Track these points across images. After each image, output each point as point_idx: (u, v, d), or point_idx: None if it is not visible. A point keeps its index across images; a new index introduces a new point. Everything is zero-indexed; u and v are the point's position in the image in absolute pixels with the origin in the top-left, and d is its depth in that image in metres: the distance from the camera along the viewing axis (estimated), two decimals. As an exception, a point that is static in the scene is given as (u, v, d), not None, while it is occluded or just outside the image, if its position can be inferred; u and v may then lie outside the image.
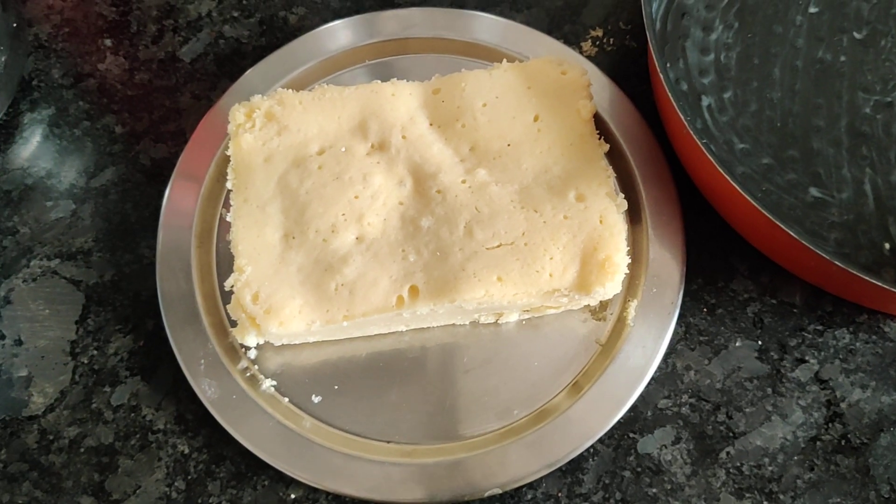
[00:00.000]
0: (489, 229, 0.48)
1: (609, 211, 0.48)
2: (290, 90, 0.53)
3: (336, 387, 0.51)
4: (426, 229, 0.49)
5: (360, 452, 0.48)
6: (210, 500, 0.48)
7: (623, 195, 0.51)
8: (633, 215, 0.54)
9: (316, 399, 0.50)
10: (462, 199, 0.49)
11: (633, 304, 0.51)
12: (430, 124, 0.52)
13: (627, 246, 0.48)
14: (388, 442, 0.49)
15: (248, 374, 0.51)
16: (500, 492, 0.47)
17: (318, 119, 0.52)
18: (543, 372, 0.50)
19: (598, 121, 0.54)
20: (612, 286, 0.47)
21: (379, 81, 0.53)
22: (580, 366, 0.50)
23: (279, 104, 0.52)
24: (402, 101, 0.52)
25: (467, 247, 0.48)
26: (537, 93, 0.52)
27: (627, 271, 0.48)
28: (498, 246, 0.48)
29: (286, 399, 0.50)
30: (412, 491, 0.47)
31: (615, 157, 0.55)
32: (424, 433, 0.49)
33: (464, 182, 0.50)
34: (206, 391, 0.49)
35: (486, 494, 0.47)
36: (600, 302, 0.52)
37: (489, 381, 0.50)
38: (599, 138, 0.52)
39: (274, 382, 0.51)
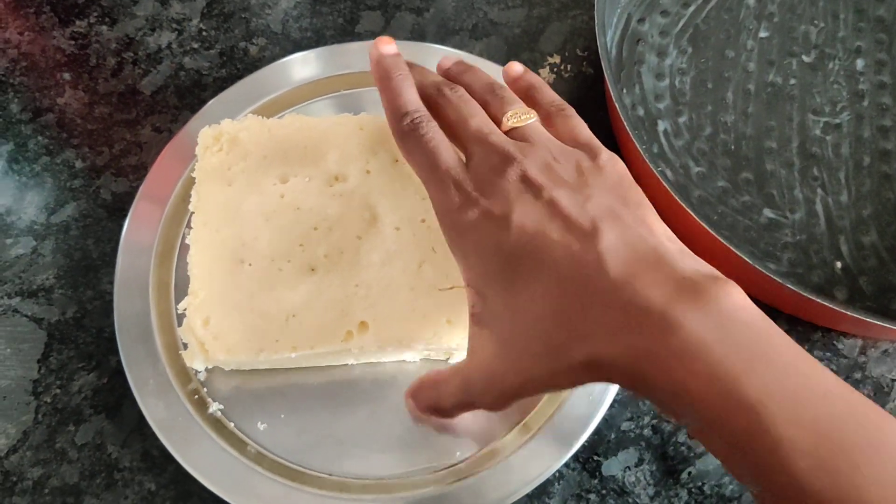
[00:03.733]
0: (442, 271, 0.48)
1: None
2: (260, 117, 0.53)
3: (282, 415, 0.50)
4: (380, 265, 0.49)
5: (300, 484, 0.48)
6: (177, 538, 0.48)
7: None
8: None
9: (261, 426, 0.50)
10: (419, 238, 0.49)
11: None
12: (396, 160, 0.52)
13: None
14: (330, 475, 0.49)
15: (197, 397, 0.50)
16: None
17: (284, 148, 0.52)
18: (490, 413, 0.50)
19: None
20: None
21: (349, 114, 0.53)
22: (530, 408, 0.50)
23: (247, 130, 0.52)
24: (368, 134, 0.52)
25: (419, 286, 0.48)
26: None
27: None
28: (450, 288, 0.48)
29: (232, 424, 0.50)
30: (348, 527, 0.47)
31: None
32: (366, 468, 0.49)
33: (423, 221, 0.50)
34: (152, 411, 0.49)
35: None
36: (549, 346, 0.52)
37: None
38: None
39: (221, 406, 0.50)
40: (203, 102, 0.58)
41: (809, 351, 0.52)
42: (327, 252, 0.49)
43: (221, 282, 0.49)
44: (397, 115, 0.42)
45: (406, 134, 0.41)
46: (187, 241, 0.51)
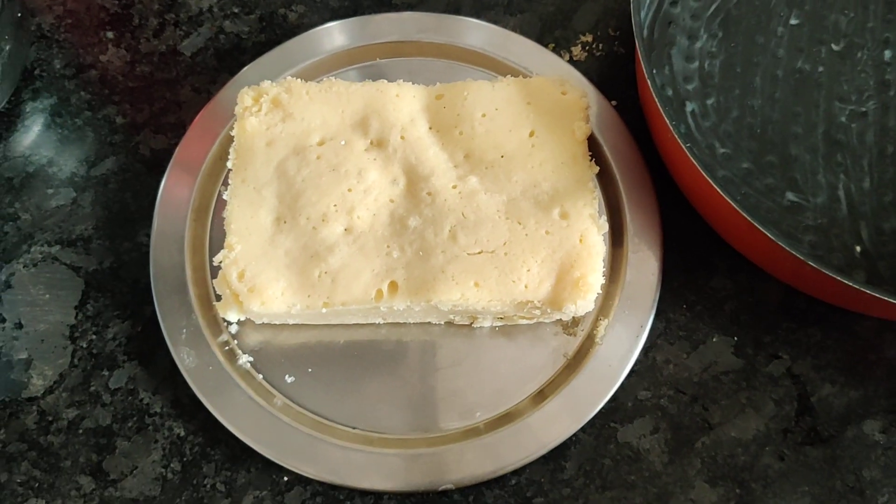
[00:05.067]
0: (472, 235, 0.50)
1: (590, 232, 0.50)
2: (299, 79, 0.55)
3: (310, 370, 0.52)
4: (412, 229, 0.50)
5: (324, 436, 0.50)
6: (205, 482, 0.50)
7: (605, 217, 0.52)
8: (616, 237, 0.55)
9: (289, 379, 0.52)
10: (451, 204, 0.51)
11: (604, 324, 0.52)
12: (430, 128, 0.54)
13: (605, 267, 0.50)
14: (354, 428, 0.51)
15: (227, 348, 0.52)
16: (454, 487, 0.49)
17: (322, 110, 0.54)
18: (509, 379, 0.52)
19: (592, 141, 0.55)
20: (583, 304, 0.49)
21: (385, 81, 0.55)
22: (545, 377, 0.52)
23: (287, 92, 0.54)
24: (405, 102, 0.54)
25: (449, 250, 0.50)
26: (536, 109, 0.54)
27: (600, 291, 0.50)
28: (479, 252, 0.50)
29: (260, 376, 0.52)
30: (370, 478, 0.49)
31: (605, 179, 0.56)
32: (389, 424, 0.51)
33: (455, 187, 0.51)
34: (184, 359, 0.51)
35: (441, 489, 0.49)
36: (573, 317, 0.53)
37: (456, 382, 0.52)
38: (591, 160, 0.53)
39: (251, 359, 0.52)
40: (241, 66, 0.60)
41: (826, 331, 0.53)
42: (361, 214, 0.51)
43: (257, 237, 0.50)
44: None
45: None
46: (224, 198, 0.52)
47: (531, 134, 0.53)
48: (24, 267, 0.55)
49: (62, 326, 0.54)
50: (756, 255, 0.54)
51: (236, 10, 0.64)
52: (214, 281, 0.50)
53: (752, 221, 0.48)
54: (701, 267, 0.56)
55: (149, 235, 0.55)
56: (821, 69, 0.60)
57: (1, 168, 0.58)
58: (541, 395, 0.51)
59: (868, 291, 0.46)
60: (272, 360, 0.53)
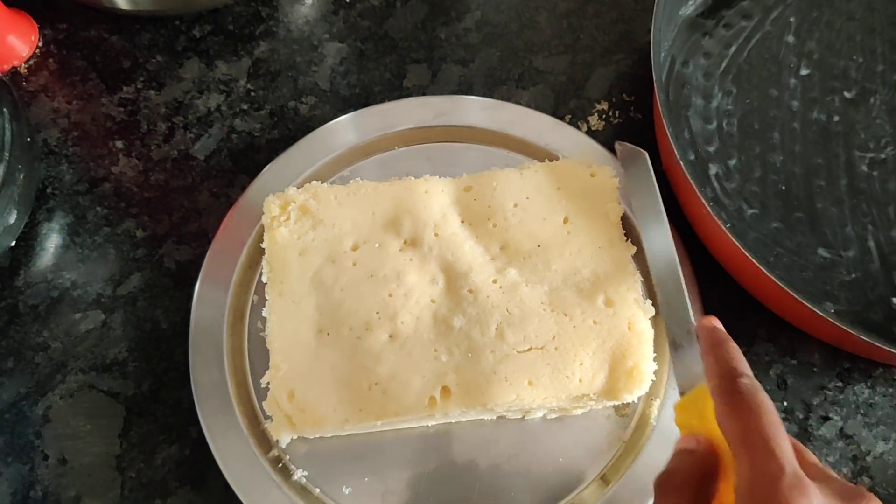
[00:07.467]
0: (520, 332, 0.49)
1: (637, 318, 0.50)
2: (325, 184, 0.54)
3: (366, 478, 0.52)
4: (458, 329, 0.50)
5: None
6: None
7: (650, 301, 0.51)
8: (655, 309, 0.54)
9: (346, 490, 0.51)
10: (493, 300, 0.50)
11: (656, 404, 0.52)
12: (462, 222, 0.53)
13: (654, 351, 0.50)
14: None
15: (280, 465, 0.52)
16: None
17: (352, 214, 0.53)
18: (568, 467, 0.52)
19: (622, 215, 0.55)
20: (639, 393, 0.49)
21: (412, 178, 0.54)
22: (604, 462, 0.52)
23: (314, 198, 0.53)
24: (434, 198, 0.53)
25: (499, 349, 0.49)
26: (567, 194, 0.54)
27: (654, 378, 0.50)
28: (529, 349, 0.49)
29: (318, 490, 0.51)
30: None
31: (638, 252, 0.55)
32: None
33: (495, 282, 0.51)
34: (238, 481, 0.50)
35: None
36: (623, 400, 0.53)
37: (514, 477, 0.52)
38: (627, 240, 0.53)
39: (306, 473, 0.52)
40: (258, 165, 0.59)
41: (872, 387, 0.54)
42: (404, 319, 0.50)
43: (303, 353, 0.50)
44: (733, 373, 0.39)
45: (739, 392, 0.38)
46: (258, 307, 0.51)
47: (565, 220, 0.53)
48: (60, 398, 0.54)
49: (108, 457, 0.53)
50: (795, 318, 0.55)
51: (245, 108, 0.63)
52: (264, 403, 0.50)
53: (787, 289, 0.48)
54: (741, 333, 0.56)
55: (185, 353, 0.54)
56: (836, 118, 0.60)
57: (24, 296, 0.57)
58: (602, 482, 0.51)
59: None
60: (327, 470, 0.52)
